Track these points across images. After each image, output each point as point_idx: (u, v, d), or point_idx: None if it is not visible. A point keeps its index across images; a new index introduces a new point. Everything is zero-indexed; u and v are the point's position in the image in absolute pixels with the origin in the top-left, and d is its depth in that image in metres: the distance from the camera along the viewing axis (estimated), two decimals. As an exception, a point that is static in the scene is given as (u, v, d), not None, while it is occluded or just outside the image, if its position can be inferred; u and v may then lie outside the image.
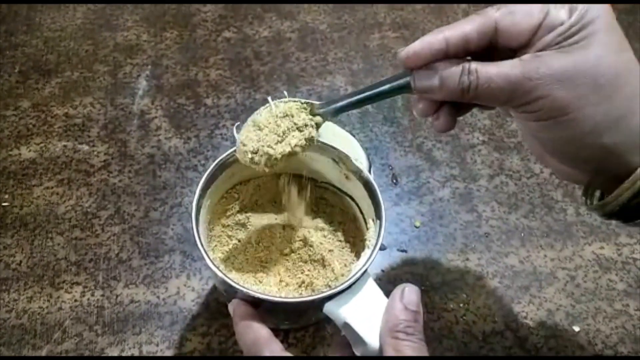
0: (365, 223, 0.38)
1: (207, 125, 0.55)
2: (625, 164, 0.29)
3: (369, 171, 0.44)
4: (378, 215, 0.35)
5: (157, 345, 0.41)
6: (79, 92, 0.57)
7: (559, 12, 0.28)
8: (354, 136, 0.47)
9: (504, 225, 0.50)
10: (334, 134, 0.46)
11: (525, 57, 0.28)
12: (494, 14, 0.29)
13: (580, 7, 0.27)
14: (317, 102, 0.34)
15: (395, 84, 0.31)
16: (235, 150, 0.35)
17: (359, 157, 0.42)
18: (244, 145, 0.33)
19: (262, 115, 0.34)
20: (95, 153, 0.52)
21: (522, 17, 0.28)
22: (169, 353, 0.41)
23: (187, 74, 0.59)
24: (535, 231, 0.50)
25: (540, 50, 0.28)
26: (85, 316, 0.42)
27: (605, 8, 0.28)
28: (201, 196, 0.35)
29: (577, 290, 0.47)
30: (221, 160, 0.36)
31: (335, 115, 0.34)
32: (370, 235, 0.36)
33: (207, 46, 0.62)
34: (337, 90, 0.59)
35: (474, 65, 0.29)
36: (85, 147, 0.53)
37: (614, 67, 0.28)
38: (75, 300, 0.43)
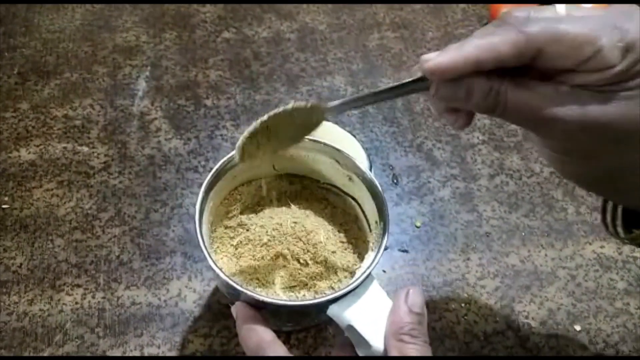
0: (368, 224, 0.38)
1: (207, 126, 0.55)
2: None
3: (370, 171, 0.44)
4: (382, 217, 0.35)
5: (159, 347, 0.41)
6: (78, 94, 0.57)
7: (613, 52, 0.24)
8: (354, 136, 0.47)
9: (505, 224, 0.50)
10: (334, 135, 0.46)
11: (563, 90, 0.26)
12: (538, 38, 0.25)
13: (638, 48, 0.24)
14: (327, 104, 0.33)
15: (414, 86, 0.29)
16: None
17: (359, 158, 0.42)
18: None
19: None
20: (95, 155, 0.52)
21: (570, 50, 0.25)
22: (170, 355, 0.41)
23: (187, 75, 0.59)
24: (535, 230, 0.50)
25: (580, 84, 0.25)
26: (87, 318, 0.42)
27: None
28: (204, 198, 0.35)
29: (578, 289, 0.47)
30: (224, 162, 0.36)
31: (343, 110, 0.32)
32: (374, 237, 0.36)
33: (207, 47, 0.62)
34: (337, 91, 0.59)
35: (504, 87, 0.26)
36: (85, 149, 0.52)
37: None
38: (76, 303, 0.43)
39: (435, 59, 0.26)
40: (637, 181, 0.27)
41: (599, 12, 0.26)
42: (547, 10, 0.27)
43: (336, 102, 0.31)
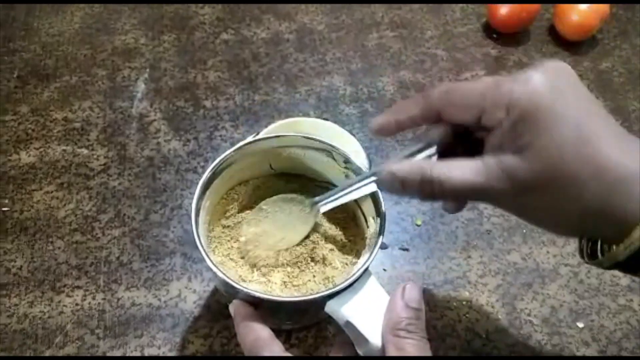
0: (366, 221, 0.37)
1: (206, 127, 0.55)
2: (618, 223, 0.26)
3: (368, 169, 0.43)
4: (378, 213, 0.35)
5: (159, 348, 0.41)
6: (77, 96, 0.57)
7: (496, 110, 0.27)
8: (353, 135, 0.47)
9: (506, 222, 0.50)
10: (333, 133, 0.46)
11: (488, 161, 0.27)
12: (433, 95, 0.30)
13: (517, 108, 0.26)
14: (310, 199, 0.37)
15: (364, 189, 0.34)
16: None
17: (359, 157, 0.42)
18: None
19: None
20: (94, 157, 0.52)
21: (462, 101, 0.29)
22: (171, 355, 0.41)
23: (186, 76, 0.59)
24: (537, 228, 0.50)
25: (498, 146, 0.27)
26: (87, 320, 0.42)
27: (541, 102, 0.26)
28: (200, 197, 0.35)
29: (580, 286, 0.46)
30: (220, 161, 0.36)
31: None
32: (371, 233, 0.36)
33: (205, 48, 0.62)
34: (336, 90, 0.59)
35: (435, 172, 0.28)
36: (85, 151, 0.52)
37: (574, 169, 0.26)
38: (77, 304, 0.43)
39: (375, 120, 0.33)
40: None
41: (490, 79, 0.29)
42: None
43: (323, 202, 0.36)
